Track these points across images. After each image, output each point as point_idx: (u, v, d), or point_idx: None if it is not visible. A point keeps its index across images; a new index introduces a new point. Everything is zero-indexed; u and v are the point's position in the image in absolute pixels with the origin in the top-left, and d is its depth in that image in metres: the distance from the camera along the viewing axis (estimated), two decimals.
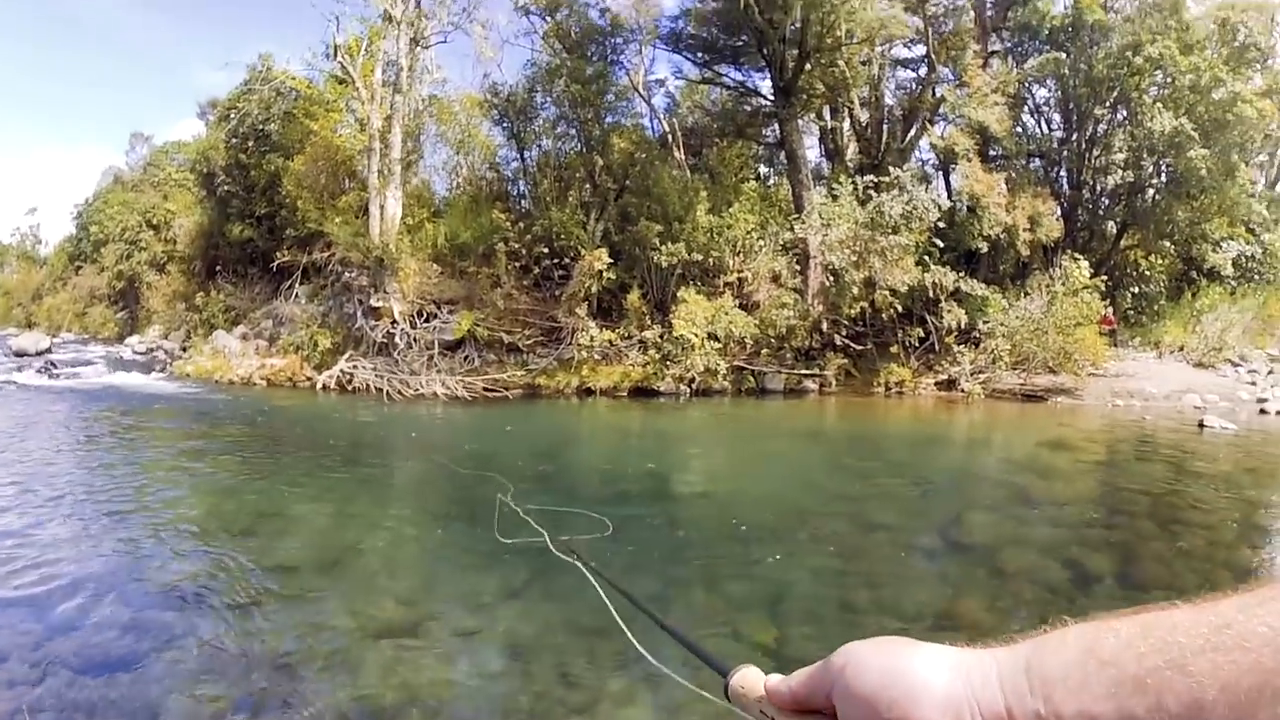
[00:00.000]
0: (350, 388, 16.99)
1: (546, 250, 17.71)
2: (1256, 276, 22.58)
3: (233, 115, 23.45)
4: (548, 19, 20.76)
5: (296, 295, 20.61)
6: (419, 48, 20.29)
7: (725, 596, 5.47)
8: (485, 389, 16.52)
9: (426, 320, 17.88)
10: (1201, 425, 13.25)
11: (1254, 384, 17.75)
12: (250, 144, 23.08)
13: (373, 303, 18.20)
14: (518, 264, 18.02)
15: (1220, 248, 21.40)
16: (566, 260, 17.58)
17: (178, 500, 7.78)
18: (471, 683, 4.19)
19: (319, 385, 17.16)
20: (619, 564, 5.99)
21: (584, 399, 16.41)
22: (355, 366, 17.44)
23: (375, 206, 18.84)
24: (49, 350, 23.11)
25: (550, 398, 16.51)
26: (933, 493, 9.25)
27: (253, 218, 23.40)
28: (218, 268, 25.43)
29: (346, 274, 19.01)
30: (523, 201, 20.65)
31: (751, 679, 0.70)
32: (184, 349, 22.65)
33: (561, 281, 17.61)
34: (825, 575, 5.98)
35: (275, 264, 20.52)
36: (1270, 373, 18.75)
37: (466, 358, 17.69)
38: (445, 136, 22.38)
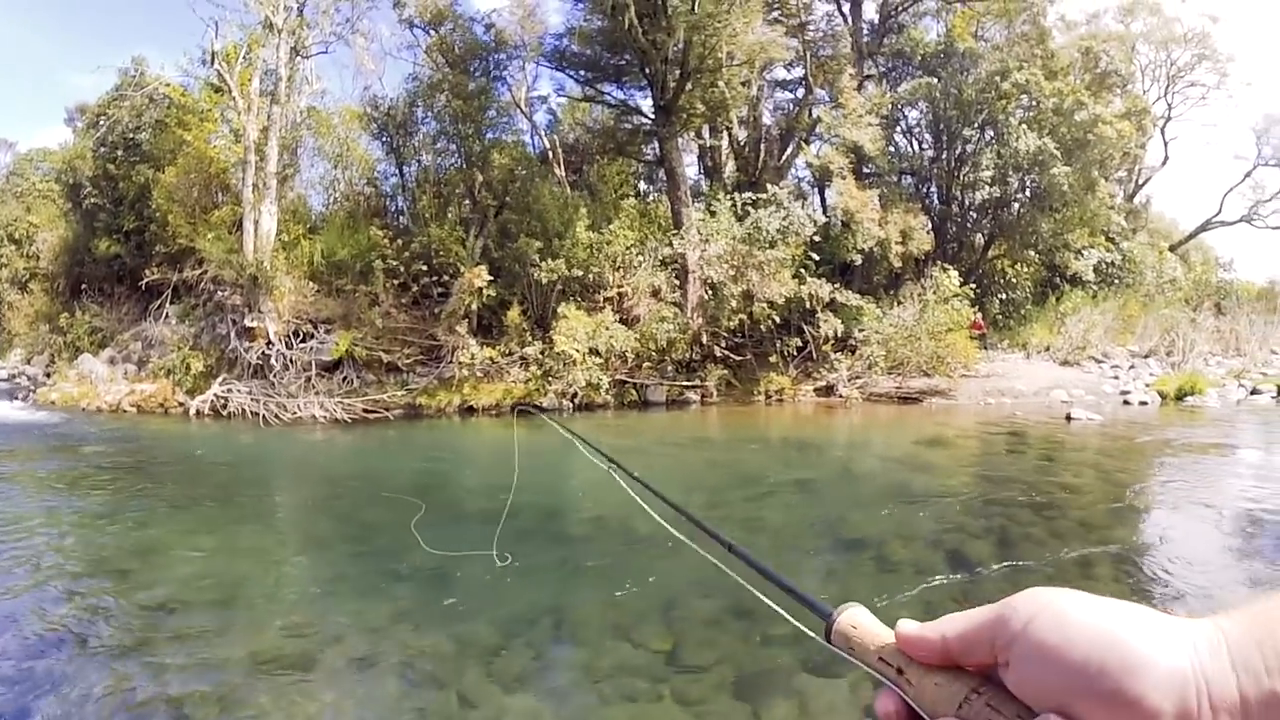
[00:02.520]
0: (225, 413, 16.14)
1: (425, 268, 17.29)
2: (1116, 281, 24.18)
3: (102, 122, 22.01)
4: (431, 33, 20.43)
5: (166, 316, 19.38)
6: (299, 57, 19.63)
7: (619, 606, 5.39)
8: (365, 410, 15.94)
9: (303, 340, 17.15)
10: (1069, 418, 13.95)
11: (1116, 378, 18.94)
12: (120, 154, 21.65)
13: (247, 323, 17.33)
14: (396, 282, 17.50)
15: (1082, 255, 22.80)
16: (446, 278, 17.20)
17: (49, 542, 7.15)
18: (367, 710, 4.07)
19: (192, 411, 16.22)
20: (511, 585, 5.87)
21: (466, 418, 16.04)
22: (230, 390, 16.57)
23: (249, 222, 17.99)
24: None
25: (432, 417, 16.07)
26: (817, 492, 9.37)
27: (121, 232, 21.92)
28: (83, 286, 23.75)
29: (219, 293, 18.04)
30: (401, 218, 20.19)
31: (865, 621, 0.58)
32: (48, 375, 21.04)
33: (441, 299, 17.22)
34: (714, 580, 5.82)
35: (144, 282, 19.26)
36: (1131, 367, 20.05)
37: (345, 379, 17.06)
38: (323, 150, 21.64)
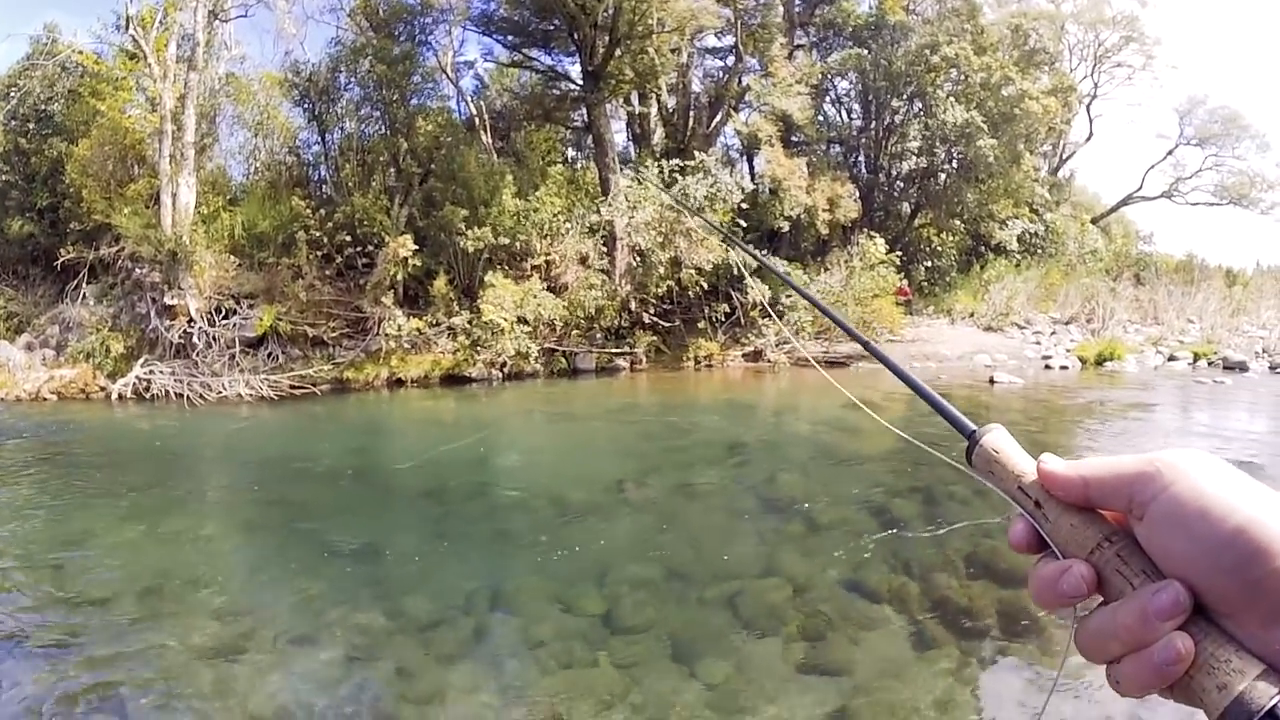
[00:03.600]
0: (149, 395, 15.40)
1: (349, 238, 16.81)
2: (1039, 250, 24.96)
3: (12, 94, 20.78)
4: None
5: (84, 297, 18.44)
6: (217, 21, 18.81)
7: (553, 575, 5.38)
8: (292, 386, 15.48)
9: (226, 317, 16.53)
10: (992, 381, 14.40)
11: (1039, 344, 19.51)
12: (31, 126, 20.40)
13: (167, 300, 16.61)
14: (320, 253, 16.97)
15: (1006, 226, 23.45)
16: (370, 248, 16.76)
17: None
18: (306, 691, 4.02)
19: (114, 395, 15.46)
20: (445, 558, 5.81)
21: (395, 390, 15.73)
22: (152, 372, 15.87)
23: (167, 195, 17.20)
24: None
25: (360, 391, 15.71)
26: (746, 456, 9.46)
27: (34, 210, 20.82)
28: None
29: (138, 270, 17.19)
30: (324, 187, 19.54)
31: (1008, 448, 0.55)
32: None
33: (365, 270, 16.79)
34: (648, 543, 6.00)
35: (59, 263, 18.30)
36: (1053, 334, 20.69)
37: (270, 355, 16.52)
38: (243, 118, 20.75)
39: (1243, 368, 16.77)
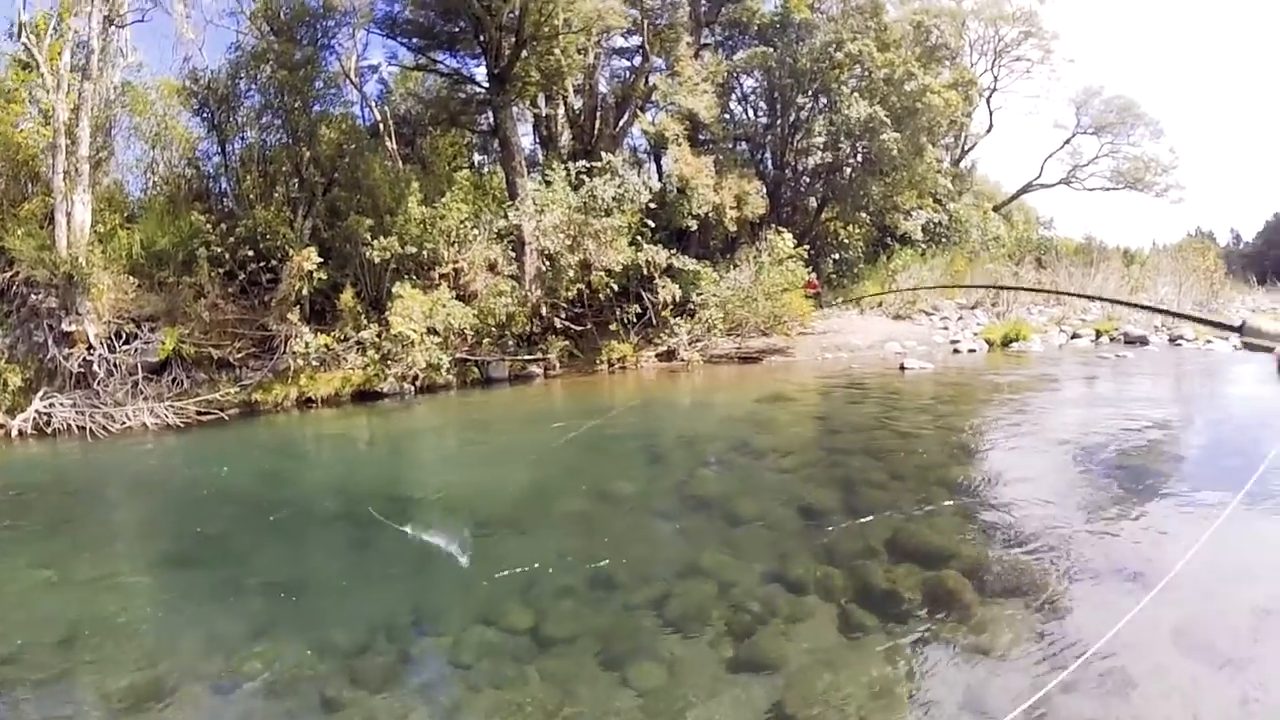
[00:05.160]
0: (50, 430, 14.45)
1: (252, 253, 16.20)
2: (944, 240, 25.97)
3: None
4: None
5: None
6: (113, 27, 17.80)
7: (478, 592, 5.32)
8: (199, 412, 14.81)
9: (127, 342, 15.65)
10: (903, 368, 14.79)
11: (946, 329, 20.17)
12: None
13: (65, 327, 15.66)
14: (222, 270, 16.30)
15: (911, 216, 24.30)
16: (274, 263, 16.20)
17: None
18: None
19: (13, 432, 14.54)
20: (367, 583, 5.68)
21: (305, 410, 15.26)
22: (52, 405, 14.96)
23: (61, 214, 16.14)
24: None
25: (270, 413, 15.15)
26: (664, 456, 9.48)
27: None
28: None
29: (33, 296, 16.15)
30: (225, 201, 18.79)
31: (1267, 327, 0.55)
32: None
33: (270, 286, 16.22)
34: (573, 552, 5.93)
35: None
36: (960, 319, 21.43)
37: (175, 380, 15.73)
38: (140, 129, 19.70)
39: (1143, 342, 17.70)
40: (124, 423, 14.50)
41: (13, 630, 5.36)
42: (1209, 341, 17.62)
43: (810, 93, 21.72)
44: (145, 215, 17.81)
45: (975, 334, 19.18)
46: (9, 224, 16.47)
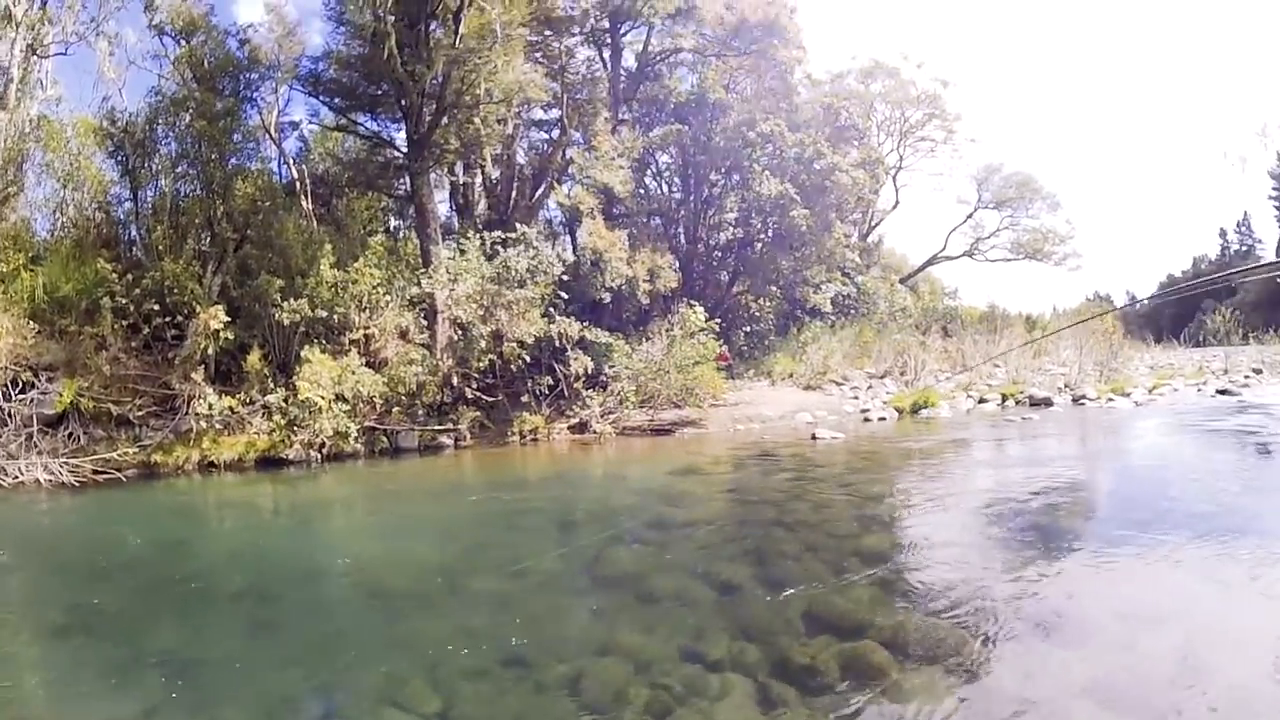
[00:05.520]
0: None
1: (158, 307, 15.73)
2: (852, 311, 27.26)
3: None
4: (182, 43, 18.86)
5: None
6: (35, 56, 17.26)
7: (384, 673, 5.14)
8: (95, 471, 14.06)
9: (23, 391, 14.90)
10: (814, 437, 15.05)
11: (856, 398, 20.76)
12: None
13: None
14: (126, 322, 15.74)
15: (820, 290, 25.44)
16: (180, 318, 15.77)
17: None
18: None
19: None
20: (268, 663, 5.46)
21: (207, 475, 14.66)
22: None
23: None
24: None
25: (170, 476, 14.46)
26: (576, 531, 9.39)
27: None
28: None
29: None
30: (134, 249, 18.26)
31: None
32: None
33: (175, 343, 15.73)
34: (480, 631, 5.76)
35: None
36: (870, 388, 22.15)
37: (71, 434, 14.92)
38: (52, 167, 18.99)
39: (1048, 403, 18.57)
40: (16, 477, 13.76)
41: None
42: (1110, 400, 18.83)
43: (723, 170, 22.77)
44: (51, 258, 17.10)
45: (885, 402, 19.75)
46: None
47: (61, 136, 19.09)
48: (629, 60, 24.13)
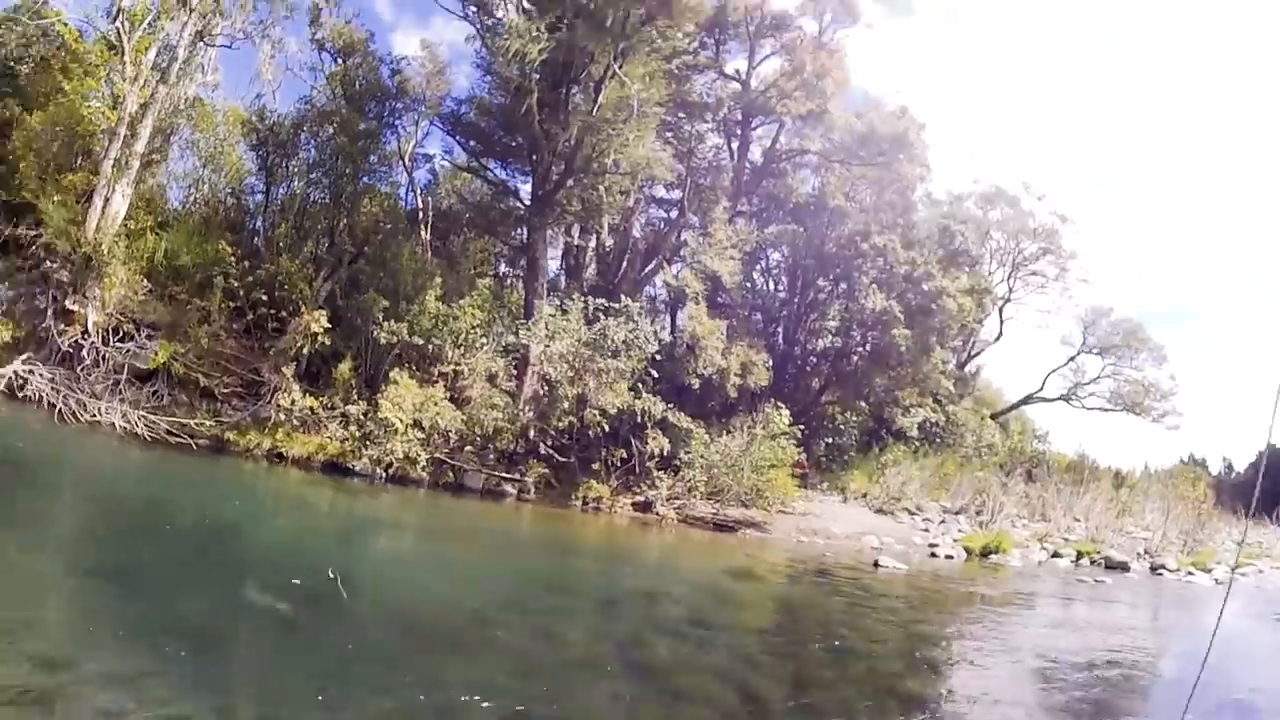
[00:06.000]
0: (21, 395, 14.36)
1: (266, 297, 16.48)
2: (938, 440, 26.10)
3: None
4: (338, 61, 20.08)
5: None
6: (202, 43, 18.62)
7: (401, 708, 5.05)
8: (169, 432, 14.60)
9: (122, 340, 15.68)
10: (876, 564, 14.48)
11: (927, 530, 19.86)
12: None
13: (68, 304, 15.65)
14: (233, 304, 16.55)
15: (909, 413, 24.56)
16: (284, 313, 16.41)
17: None
18: None
19: None
20: (287, 664, 5.44)
21: (274, 464, 14.99)
22: (32, 372, 14.75)
23: (100, 197, 16.51)
24: None
25: (238, 456, 14.90)
26: (617, 610, 9.24)
27: None
28: None
29: (48, 263, 16.21)
30: (255, 239, 19.15)
31: None
32: None
33: (274, 334, 16.33)
34: (504, 692, 5.62)
35: None
36: (942, 522, 21.14)
37: (156, 392, 15.61)
38: (197, 145, 20.42)
39: (1124, 568, 17.50)
40: (94, 416, 14.38)
41: None
42: (1190, 573, 17.56)
43: (831, 277, 22.47)
44: (177, 227, 18.08)
45: (955, 540, 18.88)
46: (49, 187, 16.66)
47: (211, 120, 20.47)
48: (755, 154, 24.52)
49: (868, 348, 22.55)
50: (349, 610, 7.04)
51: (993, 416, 32.72)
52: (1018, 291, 34.29)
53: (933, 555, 17.29)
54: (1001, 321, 34.17)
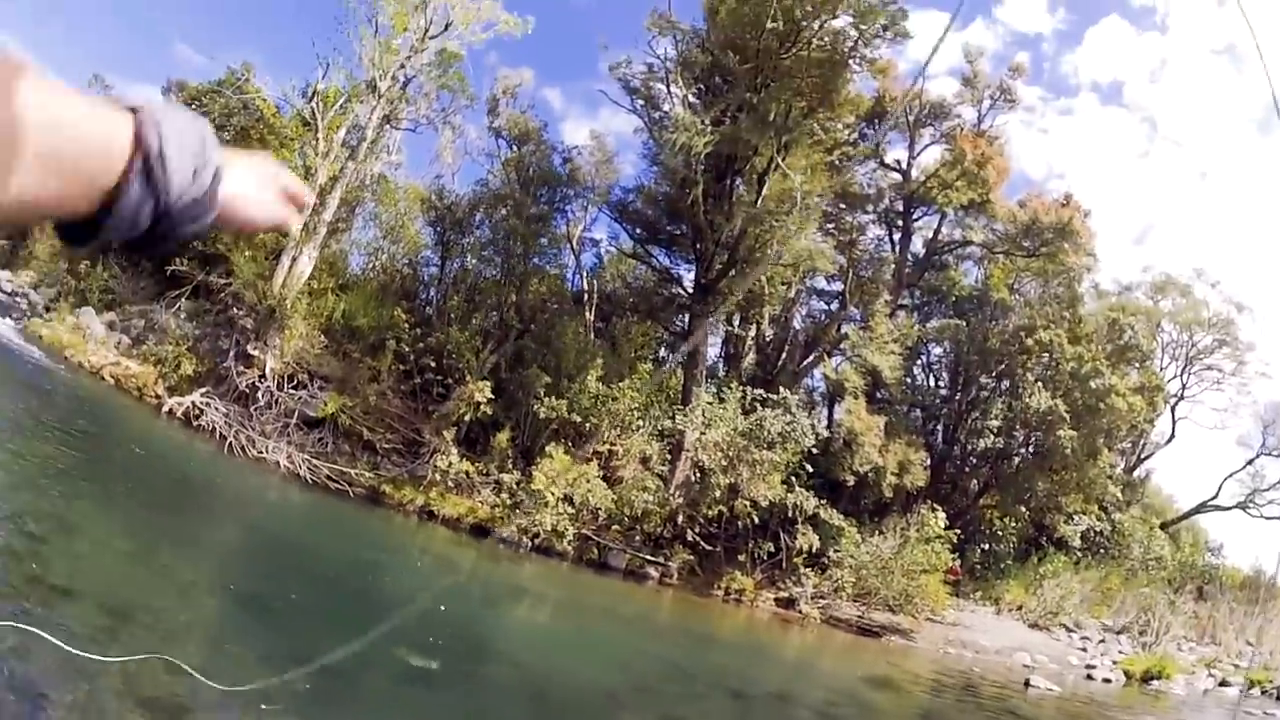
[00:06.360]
0: (195, 424, 15.92)
1: (434, 364, 17.63)
2: (1102, 551, 23.94)
3: (194, 108, 22.94)
4: (513, 149, 21.69)
5: (179, 309, 19.45)
6: (389, 125, 20.79)
7: None
8: (328, 477, 15.78)
9: (295, 388, 17.24)
10: (1027, 684, 13.60)
11: (1084, 650, 18.42)
12: None
13: (250, 349, 17.48)
14: (402, 366, 17.82)
15: (1072, 520, 22.73)
16: (450, 380, 17.48)
17: None
18: None
19: (165, 408, 16.08)
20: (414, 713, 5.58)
21: (424, 521, 15.81)
22: (209, 404, 16.50)
23: (287, 257, 18.53)
24: None
25: (391, 509, 15.84)
26: (749, 708, 9.07)
27: None
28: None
29: (235, 309, 18.27)
30: (428, 309, 20.66)
31: None
32: (48, 309, 20.72)
33: (439, 399, 17.44)
34: None
35: (170, 269, 19.08)
36: (1102, 641, 19.50)
37: (321, 439, 16.98)
38: (379, 218, 22.51)
39: None
40: (261, 453, 15.66)
41: (75, 574, 5.61)
42: None
43: (994, 374, 21.49)
44: (356, 291, 19.82)
45: (1115, 662, 17.45)
46: (241, 243, 18.61)
47: (394, 196, 22.47)
48: (917, 245, 24.24)
49: (1030, 449, 21.27)
50: (482, 672, 7.20)
51: (1162, 526, 29.67)
52: (1191, 388, 31.48)
53: (1089, 677, 16.07)
54: (1174, 421, 31.32)
